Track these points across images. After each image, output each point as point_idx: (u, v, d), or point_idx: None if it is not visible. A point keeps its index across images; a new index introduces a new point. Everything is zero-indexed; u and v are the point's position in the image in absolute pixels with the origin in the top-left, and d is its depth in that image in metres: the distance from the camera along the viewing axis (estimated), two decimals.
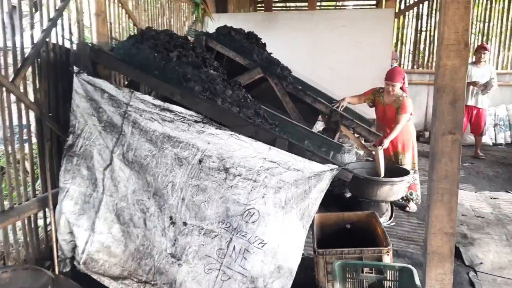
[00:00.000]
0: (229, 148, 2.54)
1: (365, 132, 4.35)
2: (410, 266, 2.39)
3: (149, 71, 2.83)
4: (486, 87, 6.34)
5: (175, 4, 5.66)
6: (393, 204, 4.45)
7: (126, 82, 3.75)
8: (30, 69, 2.87)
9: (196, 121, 2.59)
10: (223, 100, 2.85)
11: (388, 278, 2.47)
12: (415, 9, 8.63)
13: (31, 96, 2.91)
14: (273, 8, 8.81)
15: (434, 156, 2.19)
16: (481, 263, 3.38)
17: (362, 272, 2.50)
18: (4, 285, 2.20)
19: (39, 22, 2.95)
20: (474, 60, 6.60)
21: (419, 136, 7.45)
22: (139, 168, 2.72)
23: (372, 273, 2.51)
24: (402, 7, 8.67)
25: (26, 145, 2.92)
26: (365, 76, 6.09)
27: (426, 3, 8.52)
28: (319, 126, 5.69)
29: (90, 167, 2.84)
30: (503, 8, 8.54)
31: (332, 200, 4.32)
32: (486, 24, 8.58)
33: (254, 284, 2.51)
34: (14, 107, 2.76)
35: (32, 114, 2.93)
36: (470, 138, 7.19)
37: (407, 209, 4.50)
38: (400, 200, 4.46)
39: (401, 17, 8.70)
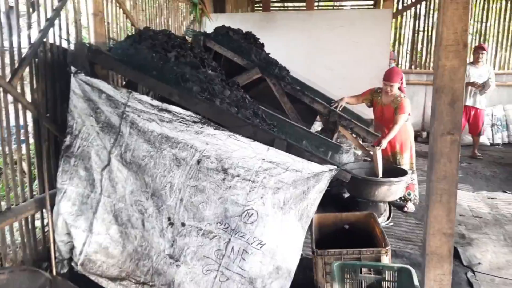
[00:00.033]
0: (228, 149, 2.53)
1: (363, 132, 4.35)
2: (408, 266, 2.39)
3: (147, 71, 2.82)
4: (483, 87, 6.36)
5: (173, 4, 5.64)
6: (391, 204, 4.46)
7: (124, 83, 3.74)
8: (27, 69, 2.86)
9: (194, 122, 2.58)
10: (221, 100, 2.84)
11: (386, 279, 2.47)
12: (413, 9, 8.65)
13: (28, 97, 2.90)
14: (271, 8, 8.80)
15: (433, 157, 2.19)
16: (479, 263, 3.39)
17: (361, 272, 2.50)
18: (1, 287, 2.19)
19: (36, 22, 2.94)
20: (472, 60, 6.62)
21: (417, 136, 7.47)
22: (137, 168, 2.71)
23: (370, 273, 2.50)
24: (400, 7, 8.68)
25: (24, 146, 2.91)
26: (363, 76, 6.10)
27: (423, 3, 8.54)
28: (317, 126, 5.70)
29: (87, 168, 2.82)
30: (500, 8, 8.57)
31: (330, 200, 4.32)
32: (483, 24, 8.60)
33: (253, 285, 2.51)
34: (11, 107, 2.75)
35: (29, 115, 2.92)
36: (468, 138, 7.20)
37: (405, 209, 4.50)
38: (398, 200, 4.46)
39: (399, 17, 8.71)
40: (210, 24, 6.15)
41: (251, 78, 4.33)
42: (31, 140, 3.01)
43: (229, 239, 2.54)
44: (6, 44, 2.70)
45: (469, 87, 6.39)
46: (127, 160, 2.72)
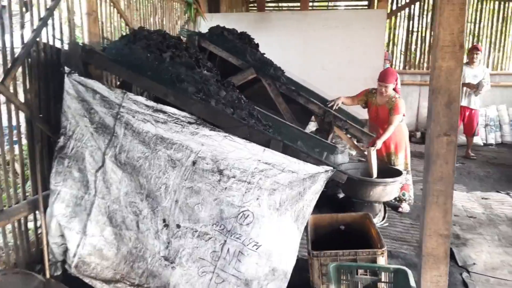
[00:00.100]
0: (223, 150, 2.51)
1: (358, 133, 4.35)
2: (405, 268, 2.39)
3: (142, 71, 2.80)
4: (478, 88, 6.40)
5: (167, 3, 5.62)
6: (386, 204, 4.46)
7: (118, 83, 3.71)
8: (20, 70, 2.82)
9: (189, 123, 2.56)
10: (217, 101, 2.82)
11: (383, 280, 2.47)
12: (407, 9, 8.68)
13: (21, 97, 2.86)
14: (265, 8, 8.79)
15: (429, 158, 2.19)
16: (474, 263, 3.40)
17: (357, 274, 2.49)
18: None
19: (29, 22, 2.90)
20: (467, 60, 6.65)
21: (411, 137, 7.48)
22: (131, 170, 2.68)
23: (367, 275, 2.50)
24: (394, 7, 8.71)
25: (16, 147, 2.87)
26: (357, 76, 6.11)
27: (417, 3, 8.57)
28: (311, 126, 5.69)
29: (81, 169, 2.79)
30: (493, 9, 8.62)
31: (325, 200, 4.31)
32: (477, 25, 8.65)
33: (249, 286, 2.49)
34: (3, 108, 2.71)
35: (22, 115, 2.88)
36: (461, 139, 7.23)
37: (400, 209, 4.51)
38: (393, 200, 4.47)
39: (393, 18, 8.74)
40: (205, 24, 6.13)
41: (246, 79, 4.32)
42: (24, 141, 2.97)
43: (225, 241, 2.53)
44: None
45: (464, 88, 6.42)
46: (122, 161, 2.70)
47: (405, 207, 4.51)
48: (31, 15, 2.91)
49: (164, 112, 2.59)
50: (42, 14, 2.99)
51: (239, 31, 5.01)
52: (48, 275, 2.83)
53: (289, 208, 2.49)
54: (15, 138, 2.85)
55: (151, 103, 2.61)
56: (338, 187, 4.71)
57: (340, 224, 3.28)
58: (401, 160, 4.46)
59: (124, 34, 3.71)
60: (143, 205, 2.68)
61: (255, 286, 2.49)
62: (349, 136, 4.74)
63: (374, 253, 2.71)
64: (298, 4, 8.74)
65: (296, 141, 3.25)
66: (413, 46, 8.79)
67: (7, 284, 2.23)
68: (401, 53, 8.92)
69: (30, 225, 3.07)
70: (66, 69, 2.76)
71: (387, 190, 4.08)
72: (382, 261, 2.71)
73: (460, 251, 3.61)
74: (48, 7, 3.02)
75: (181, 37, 4.82)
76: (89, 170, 2.78)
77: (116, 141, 2.71)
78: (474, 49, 6.59)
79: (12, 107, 2.79)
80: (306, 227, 2.80)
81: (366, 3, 9.41)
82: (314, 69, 6.34)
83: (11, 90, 2.76)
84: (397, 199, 4.48)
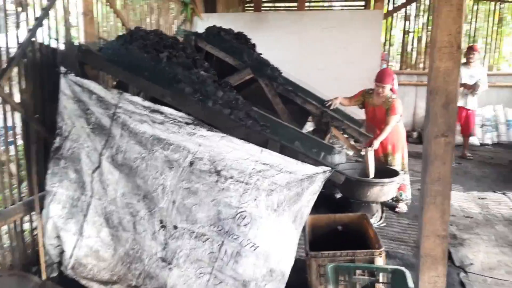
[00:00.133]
0: (221, 150, 2.50)
1: (356, 133, 4.34)
2: (403, 268, 2.38)
3: (139, 72, 2.78)
4: (474, 88, 6.42)
5: (164, 3, 5.60)
6: (383, 205, 4.46)
7: (115, 83, 3.69)
8: (15, 70, 2.81)
9: (187, 123, 2.55)
10: (214, 101, 2.81)
11: (380, 281, 2.47)
12: (403, 10, 8.69)
13: (16, 97, 2.84)
14: (262, 9, 8.78)
15: (427, 159, 2.19)
16: (471, 263, 3.41)
17: (355, 274, 2.49)
18: None
19: (25, 22, 2.88)
20: (464, 61, 6.66)
21: (408, 137, 7.46)
22: (128, 170, 2.67)
23: (364, 275, 2.50)
24: (391, 8, 8.72)
25: (12, 148, 2.85)
26: (354, 76, 6.11)
27: (414, 4, 8.59)
28: (308, 127, 5.68)
29: (78, 170, 2.78)
30: (489, 9, 8.66)
31: (322, 201, 4.29)
32: (473, 25, 8.68)
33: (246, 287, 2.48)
34: None
35: (17, 116, 2.87)
36: (458, 139, 7.25)
37: (397, 209, 4.51)
38: (390, 200, 4.47)
39: (389, 18, 8.75)
40: (201, 24, 6.11)
41: (243, 79, 4.30)
42: (20, 142, 2.95)
43: (222, 242, 2.51)
44: None
45: (461, 88, 6.43)
46: (119, 162, 2.69)
47: (402, 207, 4.52)
48: (27, 14, 2.89)
49: (161, 113, 2.58)
50: (38, 13, 2.97)
51: (235, 31, 4.99)
52: (44, 277, 2.81)
53: (287, 209, 2.48)
54: (10, 139, 2.83)
55: (148, 104, 2.60)
56: (335, 187, 4.71)
57: (337, 225, 3.27)
58: (398, 161, 4.47)
59: (120, 34, 3.69)
60: (140, 206, 2.66)
61: (252, 287, 2.47)
62: (346, 136, 4.74)
63: (372, 254, 2.71)
64: (295, 4, 8.74)
65: (293, 142, 3.24)
66: (409, 47, 8.81)
67: (3, 286, 2.22)
68: (397, 54, 8.94)
69: (26, 226, 3.05)
70: (62, 69, 2.74)
71: (385, 191, 4.09)
72: (380, 261, 2.71)
73: (457, 251, 3.61)
74: (43, 6, 3.01)
75: (178, 37, 4.80)
76: (86, 171, 2.76)
77: (112, 142, 2.69)
78: (470, 50, 6.61)
79: (8, 107, 2.77)
80: (303, 228, 2.79)
81: (362, 3, 9.42)
82: (311, 70, 6.33)
83: (7, 91, 2.74)
84: (394, 199, 4.48)
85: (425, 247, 2.25)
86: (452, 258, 3.46)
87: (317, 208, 2.56)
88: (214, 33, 4.60)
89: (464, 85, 6.41)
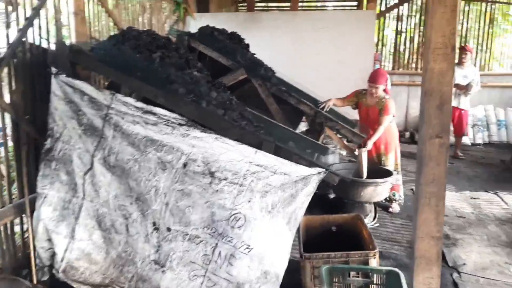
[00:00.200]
0: (215, 152, 2.48)
1: (349, 133, 4.35)
2: (397, 269, 2.39)
3: (131, 72, 2.75)
4: (467, 89, 6.46)
5: (156, 3, 5.56)
6: (377, 205, 4.47)
7: (107, 84, 3.65)
8: (5, 70, 2.76)
9: (180, 124, 2.53)
10: (207, 102, 2.79)
11: (375, 282, 2.46)
12: (396, 10, 8.72)
13: (6, 98, 2.80)
14: (255, 8, 8.76)
15: (421, 160, 2.19)
16: (464, 264, 3.42)
17: (349, 276, 2.49)
18: None
19: (15, 21, 2.84)
20: (457, 61, 6.70)
21: (400, 137, 7.51)
22: (121, 172, 2.64)
23: (359, 277, 2.49)
24: (383, 8, 8.75)
25: (2, 149, 2.81)
26: (347, 77, 6.11)
27: (406, 4, 8.62)
28: (302, 127, 5.68)
29: (69, 172, 2.74)
30: (480, 10, 8.72)
31: (316, 201, 4.29)
32: (464, 26, 8.73)
33: None
34: None
35: (7, 117, 2.82)
36: (450, 139, 7.29)
37: (390, 209, 4.53)
38: (383, 201, 4.48)
39: (382, 18, 8.78)
40: (194, 23, 6.08)
41: (236, 79, 4.29)
42: (10, 143, 2.91)
43: (216, 244, 2.49)
44: None
45: (454, 88, 6.47)
46: (111, 163, 2.65)
47: (395, 207, 4.53)
48: (17, 14, 2.85)
49: (154, 114, 2.55)
50: (28, 13, 2.92)
51: (229, 31, 4.97)
52: (35, 281, 2.77)
53: (281, 211, 2.47)
54: (0, 140, 2.78)
55: (140, 105, 2.57)
56: (329, 188, 4.70)
57: (331, 225, 3.27)
58: (391, 161, 4.48)
59: (112, 34, 3.65)
60: (133, 208, 2.63)
61: None
62: (339, 136, 4.74)
63: (366, 255, 2.71)
64: (288, 4, 8.73)
65: (287, 142, 3.23)
66: (402, 47, 8.84)
67: None
68: (390, 54, 8.97)
69: (17, 229, 3.00)
70: (53, 69, 2.69)
71: (378, 191, 4.09)
72: (374, 263, 2.71)
73: (450, 251, 3.63)
74: (34, 6, 2.96)
75: (170, 37, 4.77)
76: (77, 173, 2.72)
77: (105, 143, 2.66)
78: (463, 50, 6.65)
79: None
80: (298, 229, 2.78)
81: (355, 4, 9.44)
82: (304, 70, 6.32)
83: None
84: (388, 199, 4.49)
85: (419, 249, 2.25)
86: (445, 258, 3.47)
87: (311, 208, 2.55)
88: (207, 33, 4.58)
89: (457, 86, 6.44)
